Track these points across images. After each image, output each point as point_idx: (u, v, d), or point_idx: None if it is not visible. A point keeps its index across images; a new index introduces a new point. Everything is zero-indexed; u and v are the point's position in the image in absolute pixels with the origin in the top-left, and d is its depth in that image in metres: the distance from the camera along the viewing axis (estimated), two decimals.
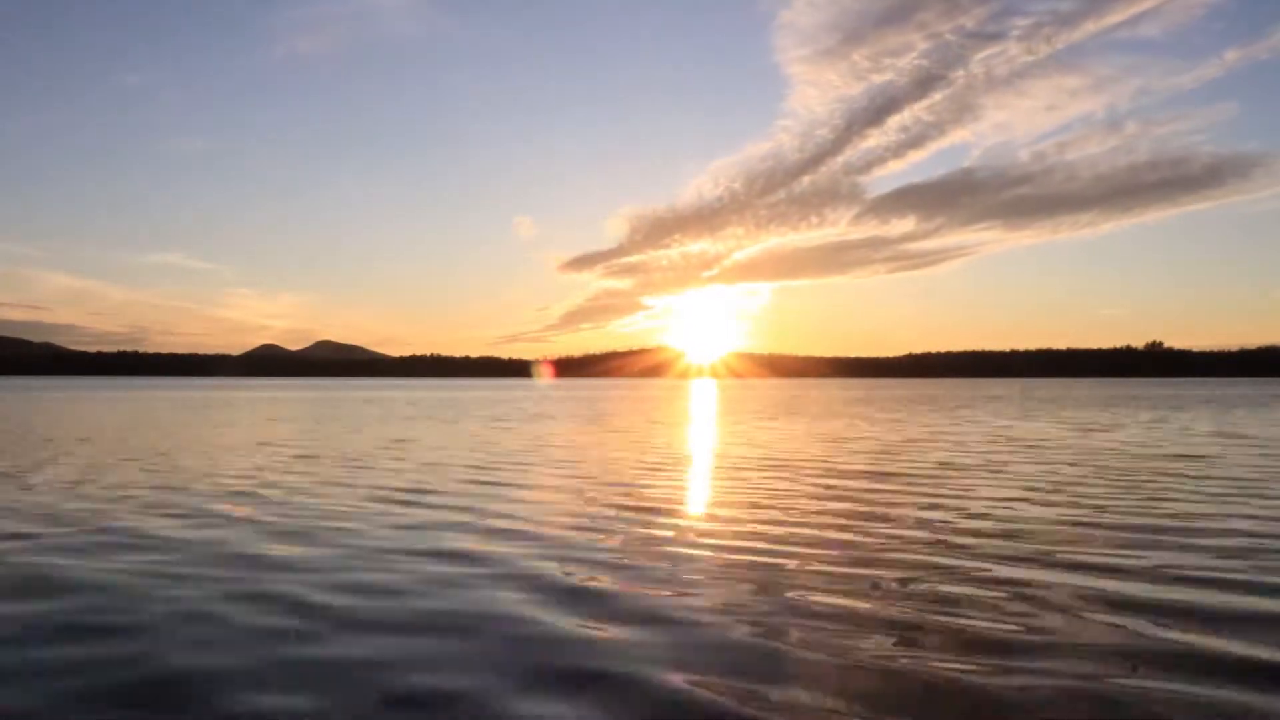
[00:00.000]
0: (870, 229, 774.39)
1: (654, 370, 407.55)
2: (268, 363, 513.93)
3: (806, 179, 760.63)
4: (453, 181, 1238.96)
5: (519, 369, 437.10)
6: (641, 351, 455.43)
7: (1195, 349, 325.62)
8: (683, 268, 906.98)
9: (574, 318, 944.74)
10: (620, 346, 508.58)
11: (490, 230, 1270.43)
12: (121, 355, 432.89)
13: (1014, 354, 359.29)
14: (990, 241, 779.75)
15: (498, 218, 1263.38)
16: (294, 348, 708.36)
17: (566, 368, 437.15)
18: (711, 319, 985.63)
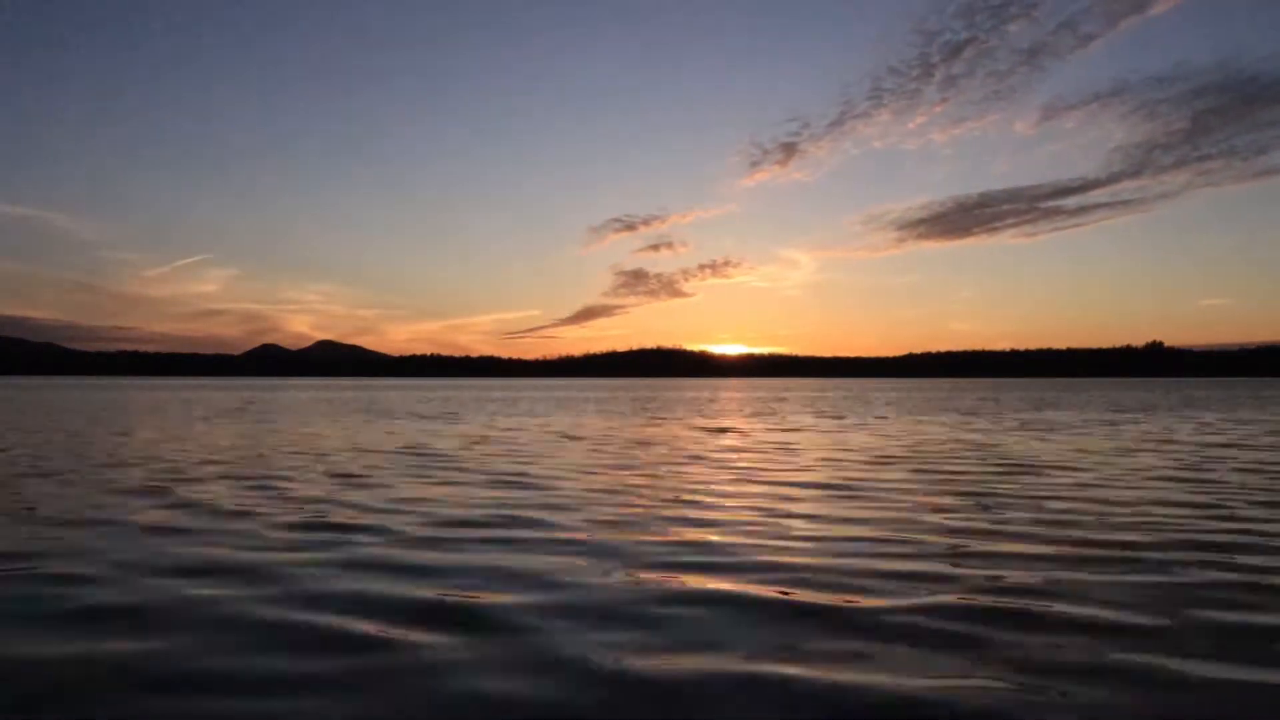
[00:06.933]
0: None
1: (683, 369, 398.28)
2: (268, 363, 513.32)
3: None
4: (453, 164, 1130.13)
5: (520, 369, 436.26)
6: (660, 350, 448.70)
7: None
8: (725, 247, 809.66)
9: (587, 313, 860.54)
10: (631, 345, 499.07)
11: (499, 221, 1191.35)
12: (121, 355, 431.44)
13: (1012, 353, 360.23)
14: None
15: (508, 207, 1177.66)
16: (294, 347, 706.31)
17: (571, 368, 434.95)
18: (753, 306, 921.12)
